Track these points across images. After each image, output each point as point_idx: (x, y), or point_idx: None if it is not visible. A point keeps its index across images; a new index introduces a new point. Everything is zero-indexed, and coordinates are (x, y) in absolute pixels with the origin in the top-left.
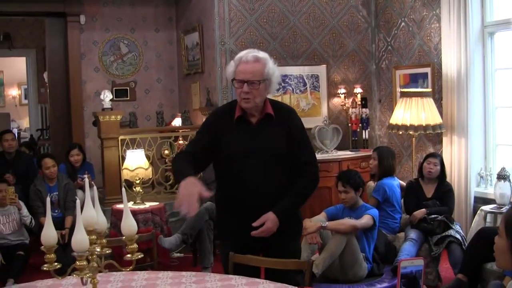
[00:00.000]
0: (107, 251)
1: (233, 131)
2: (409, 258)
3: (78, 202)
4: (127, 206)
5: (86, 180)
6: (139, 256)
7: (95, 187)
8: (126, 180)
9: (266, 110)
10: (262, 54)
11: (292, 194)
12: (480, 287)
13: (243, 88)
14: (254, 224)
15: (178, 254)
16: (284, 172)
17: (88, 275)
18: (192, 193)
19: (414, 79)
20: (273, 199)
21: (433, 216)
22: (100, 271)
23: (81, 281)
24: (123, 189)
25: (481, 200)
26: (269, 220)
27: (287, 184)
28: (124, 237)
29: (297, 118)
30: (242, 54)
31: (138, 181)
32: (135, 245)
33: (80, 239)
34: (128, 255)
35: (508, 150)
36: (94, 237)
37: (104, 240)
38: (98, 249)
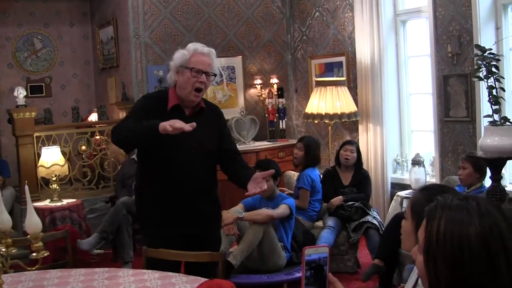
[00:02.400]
0: (13, 251)
1: (166, 120)
2: (313, 246)
3: None
4: (30, 204)
5: None
6: (45, 255)
7: None
8: (42, 178)
9: (200, 103)
10: (212, 49)
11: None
12: (398, 271)
13: (201, 78)
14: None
15: (98, 251)
16: (213, 164)
17: None
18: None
19: (329, 68)
20: (203, 190)
21: (350, 203)
22: (5, 272)
23: None
24: (26, 186)
25: (398, 186)
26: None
27: (214, 177)
28: (29, 236)
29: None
30: (196, 45)
31: (54, 178)
32: (40, 244)
33: None
34: (34, 254)
35: (422, 136)
36: None
37: (9, 240)
38: (3, 249)
